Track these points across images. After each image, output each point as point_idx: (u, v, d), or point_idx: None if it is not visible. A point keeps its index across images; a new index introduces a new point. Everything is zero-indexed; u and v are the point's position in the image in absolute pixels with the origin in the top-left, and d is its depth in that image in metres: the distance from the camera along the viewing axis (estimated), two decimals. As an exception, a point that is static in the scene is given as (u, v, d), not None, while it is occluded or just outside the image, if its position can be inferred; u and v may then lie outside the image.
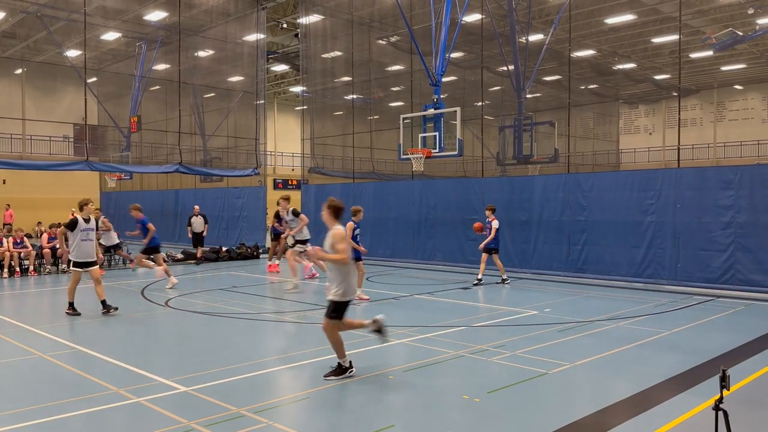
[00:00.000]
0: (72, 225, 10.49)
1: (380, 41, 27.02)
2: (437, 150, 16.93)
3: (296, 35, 27.71)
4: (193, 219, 20.01)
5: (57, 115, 31.91)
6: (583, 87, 34.65)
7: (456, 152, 16.91)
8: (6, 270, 15.82)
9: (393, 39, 26.71)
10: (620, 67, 33.42)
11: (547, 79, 30.81)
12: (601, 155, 38.52)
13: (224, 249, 21.43)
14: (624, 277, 14.37)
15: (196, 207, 20.39)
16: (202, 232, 20.01)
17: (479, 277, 14.43)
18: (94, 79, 29.19)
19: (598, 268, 14.78)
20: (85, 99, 21.31)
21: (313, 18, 24.42)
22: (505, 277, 14.56)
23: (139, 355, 7.81)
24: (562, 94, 29.83)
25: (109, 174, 28.69)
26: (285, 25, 28.49)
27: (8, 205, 30.70)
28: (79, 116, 22.82)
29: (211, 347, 8.38)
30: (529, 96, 24.74)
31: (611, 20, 26.35)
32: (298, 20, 25.63)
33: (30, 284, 14.87)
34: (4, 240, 16.23)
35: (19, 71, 34.44)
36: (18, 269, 16.09)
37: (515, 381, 6.61)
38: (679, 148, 15.70)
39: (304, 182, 23.62)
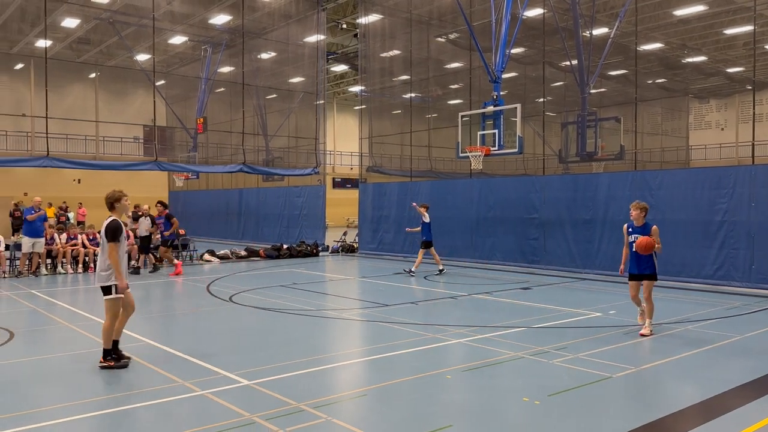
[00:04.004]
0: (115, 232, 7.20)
1: (439, 39, 26.89)
2: (496, 148, 16.70)
3: (355, 35, 27.94)
4: (141, 220, 16.97)
5: (128, 117, 33.30)
6: (650, 81, 33.45)
7: (516, 150, 16.64)
8: (80, 265, 16.65)
9: (452, 36, 26.53)
10: (690, 60, 32.07)
11: (613, 73, 29.89)
12: (669, 152, 37.07)
13: (285, 246, 21.86)
14: (694, 278, 13.80)
15: (145, 206, 17.57)
16: (150, 235, 16.99)
17: (440, 267, 15.88)
18: (163, 81, 30.29)
19: (666, 269, 14.18)
20: (154, 101, 22.16)
21: (372, 18, 24.54)
22: (441, 267, 15.86)
23: (204, 349, 8.05)
24: (628, 89, 28.89)
25: (177, 174, 29.75)
26: (344, 26, 28.78)
27: (80, 203, 32.31)
28: (149, 118, 23.75)
29: (273, 342, 8.57)
30: (593, 91, 24.03)
31: (680, 12, 25.32)
32: (357, 20, 25.83)
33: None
34: (79, 236, 17.09)
35: (93, 75, 36.11)
36: (92, 265, 16.89)
37: (577, 384, 6.46)
38: (753, 144, 14.96)
39: (362, 181, 23.79)
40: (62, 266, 16.51)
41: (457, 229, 19.16)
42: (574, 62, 22.23)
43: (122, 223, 7.32)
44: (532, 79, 27.00)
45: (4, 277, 15.43)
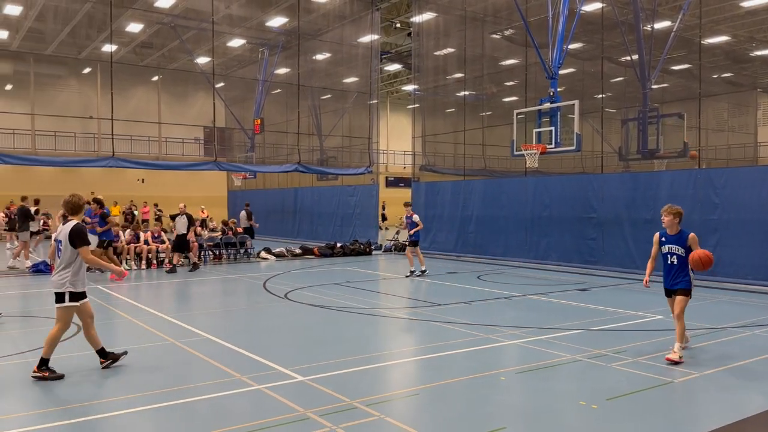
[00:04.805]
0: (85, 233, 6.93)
1: (494, 35, 26.57)
2: (553, 145, 16.39)
3: (409, 34, 27.94)
4: (178, 218, 17.06)
5: (188, 119, 34.34)
6: (715, 76, 32.08)
7: (574, 147, 16.29)
8: (144, 262, 17.28)
9: (507, 32, 26.17)
10: (758, 53, 30.62)
11: (676, 68, 28.86)
12: (736, 149, 35.48)
13: (339, 245, 22.07)
14: (761, 281, 13.16)
15: (181, 205, 17.43)
16: (185, 234, 16.94)
17: (418, 269, 15.50)
18: (222, 84, 31.06)
19: (732, 270, 13.64)
20: (214, 103, 22.75)
21: (426, 16, 24.49)
22: (424, 268, 15.49)
23: (260, 345, 8.22)
24: (692, 84, 27.80)
25: (235, 173, 30.46)
26: (398, 25, 28.82)
27: (145, 202, 33.57)
28: (209, 119, 24.41)
29: (327, 339, 8.67)
30: (654, 87, 23.25)
31: (748, 3, 24.21)
32: (411, 19, 25.82)
33: (166, 275, 16.10)
34: (141, 234, 17.74)
35: (156, 78, 37.39)
36: (155, 261, 17.50)
37: (637, 389, 6.26)
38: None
39: (415, 180, 23.77)
40: (126, 262, 17.16)
41: (511, 229, 18.90)
42: (635, 57, 21.56)
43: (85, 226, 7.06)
44: (591, 74, 26.33)
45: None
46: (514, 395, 6.24)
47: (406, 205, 16.06)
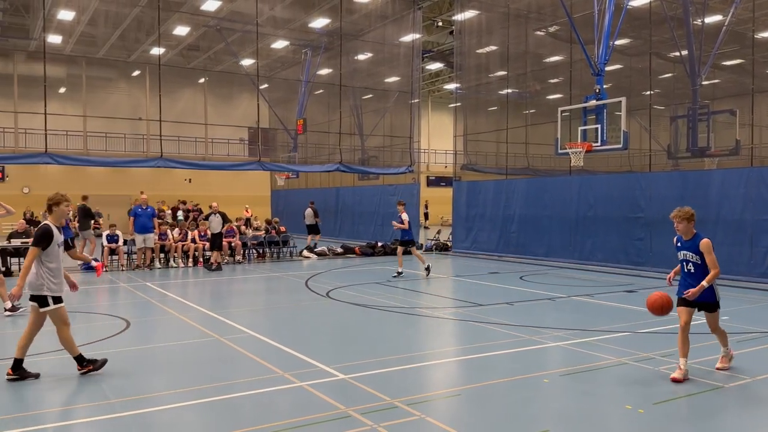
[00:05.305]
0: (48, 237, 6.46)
1: (538, 32, 26.20)
2: (599, 143, 16.09)
3: (451, 32, 27.80)
4: (212, 217, 17.57)
5: (234, 120, 34.92)
6: (770, 71, 30.91)
7: (620, 145, 15.94)
8: (191, 260, 17.68)
9: (552, 29, 25.77)
10: (816, 46, 29.30)
11: (727, 63, 27.90)
12: (792, 146, 34.07)
13: (380, 244, 22.12)
14: (821, 284, 12.63)
15: (214, 204, 17.94)
16: (221, 232, 17.47)
17: (399, 270, 15.31)
18: (266, 85, 31.45)
19: (788, 273, 13.13)
20: (258, 104, 23.09)
21: (469, 14, 24.31)
22: (401, 270, 15.28)
23: (303, 342, 8.31)
24: (744, 80, 26.88)
25: (279, 173, 30.85)
26: (440, 24, 28.70)
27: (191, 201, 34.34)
28: (253, 120, 24.78)
29: (368, 338, 8.70)
30: (705, 83, 22.53)
31: (806, -6, 23.21)
32: (453, 17, 25.68)
33: (211, 273, 16.44)
34: (189, 232, 18.15)
35: (202, 80, 38.17)
36: (201, 260, 17.88)
37: (686, 393, 6.09)
38: None
39: (456, 179, 23.64)
40: (174, 260, 17.59)
41: (554, 229, 18.61)
42: (684, 52, 20.95)
43: (55, 229, 6.53)
44: (638, 71, 25.70)
45: (122, 270, 16.66)
46: (557, 398, 6.15)
47: (399, 203, 15.87)
